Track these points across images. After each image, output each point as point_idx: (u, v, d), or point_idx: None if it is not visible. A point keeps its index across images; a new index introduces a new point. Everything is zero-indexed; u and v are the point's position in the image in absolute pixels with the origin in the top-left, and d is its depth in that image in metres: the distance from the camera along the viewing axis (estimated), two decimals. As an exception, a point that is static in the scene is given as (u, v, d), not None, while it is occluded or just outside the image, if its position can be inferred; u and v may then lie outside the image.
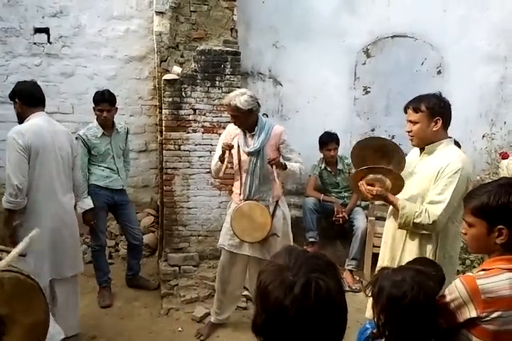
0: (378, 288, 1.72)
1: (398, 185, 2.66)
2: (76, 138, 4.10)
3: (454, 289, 1.72)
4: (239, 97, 3.30)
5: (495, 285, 1.66)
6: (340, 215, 4.85)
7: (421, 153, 2.70)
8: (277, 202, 3.56)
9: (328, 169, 5.09)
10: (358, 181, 2.72)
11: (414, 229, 2.59)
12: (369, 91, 5.63)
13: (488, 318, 1.66)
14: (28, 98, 3.30)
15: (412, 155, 2.84)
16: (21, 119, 3.32)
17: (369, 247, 4.73)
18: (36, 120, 3.25)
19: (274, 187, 3.51)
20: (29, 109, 3.30)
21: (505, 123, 5.90)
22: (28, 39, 5.05)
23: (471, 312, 1.68)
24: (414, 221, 2.53)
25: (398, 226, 2.64)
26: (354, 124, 5.67)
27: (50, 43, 5.09)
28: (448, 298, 1.75)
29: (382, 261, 2.84)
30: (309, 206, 4.94)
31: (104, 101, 4.07)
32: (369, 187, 2.65)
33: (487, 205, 1.73)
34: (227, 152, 3.40)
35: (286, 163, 3.45)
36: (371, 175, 2.66)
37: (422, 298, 1.65)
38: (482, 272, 1.74)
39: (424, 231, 2.58)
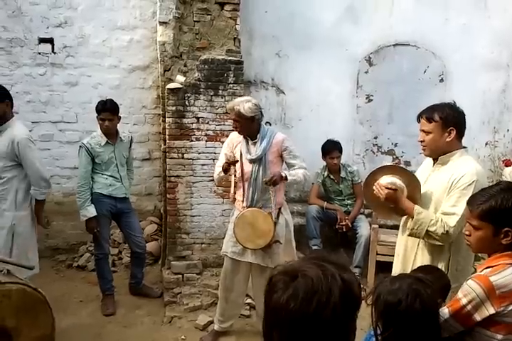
0: (376, 295, 1.72)
1: (414, 196, 2.58)
2: (80, 146, 4.13)
3: (470, 290, 1.76)
4: (243, 104, 3.32)
5: (505, 279, 1.74)
6: (344, 223, 4.85)
7: (434, 163, 2.64)
8: (280, 209, 3.57)
9: (331, 177, 5.09)
10: (374, 181, 2.63)
11: (425, 237, 2.51)
12: (372, 100, 5.64)
13: (505, 312, 1.73)
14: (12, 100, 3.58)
15: (425, 166, 2.79)
16: (3, 120, 3.51)
17: (372, 255, 4.71)
18: (18, 122, 3.61)
19: (277, 194, 3.52)
20: (11, 111, 3.57)
21: (508, 130, 5.90)
22: (32, 49, 5.09)
23: (488, 309, 1.73)
24: (429, 229, 2.45)
25: (409, 233, 2.56)
26: (357, 132, 5.68)
27: (55, 53, 5.13)
28: (464, 301, 1.78)
29: (395, 273, 2.78)
30: (312, 214, 4.94)
31: (106, 110, 4.09)
32: (384, 184, 2.56)
33: (494, 210, 1.81)
34: (232, 167, 3.42)
35: (287, 173, 3.44)
36: (391, 178, 2.59)
37: (418, 305, 1.64)
38: (488, 270, 1.80)
39: (435, 242, 2.50)
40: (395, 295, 1.66)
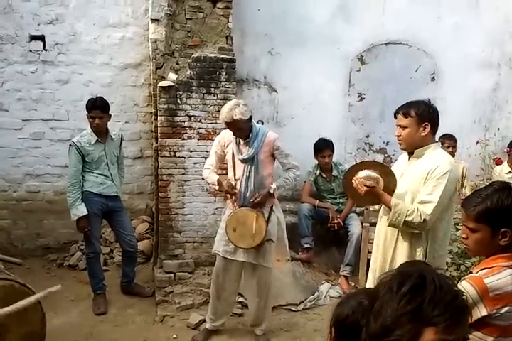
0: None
1: (391, 187, 2.74)
2: (70, 145, 4.11)
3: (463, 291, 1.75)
4: (237, 110, 3.29)
5: (500, 282, 1.73)
6: (336, 221, 4.86)
7: (409, 157, 2.79)
8: (272, 207, 3.57)
9: (323, 175, 5.10)
10: (352, 176, 2.78)
11: (403, 227, 2.66)
12: (364, 98, 5.65)
13: (497, 314, 1.72)
14: None
15: (401, 160, 2.94)
16: None
17: (364, 253, 4.73)
18: None
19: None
20: None
21: (498, 129, 5.93)
22: (23, 46, 5.05)
23: (481, 311, 1.73)
24: (406, 219, 2.60)
25: (388, 224, 2.71)
26: (349, 131, 5.69)
27: (46, 50, 5.09)
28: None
29: (375, 264, 2.93)
30: (304, 212, 4.94)
31: (96, 108, 4.07)
32: (362, 179, 2.73)
33: (490, 211, 1.79)
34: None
35: (275, 186, 3.50)
36: (367, 171, 2.75)
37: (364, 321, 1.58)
38: (484, 271, 1.79)
39: (414, 230, 2.66)
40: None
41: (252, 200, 3.46)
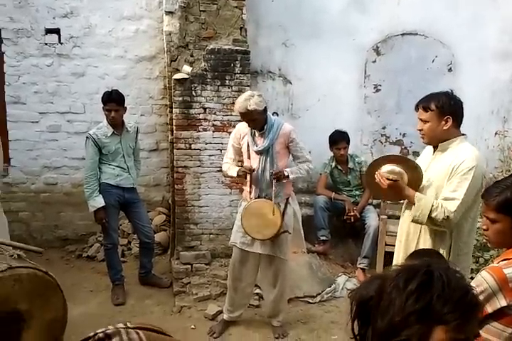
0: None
1: (416, 182, 2.63)
2: (87, 137, 4.15)
3: (482, 281, 1.75)
4: (251, 100, 3.29)
5: None
6: (352, 213, 4.83)
7: (434, 151, 2.68)
8: (288, 199, 3.57)
9: (339, 167, 5.07)
10: (375, 171, 2.68)
11: (428, 223, 2.55)
12: (380, 89, 5.60)
13: None
14: None
15: (426, 154, 2.83)
16: None
17: (381, 245, 4.70)
18: None
19: (285, 185, 3.52)
20: None
21: (517, 120, 5.85)
22: (39, 40, 5.09)
23: (500, 301, 1.72)
24: (431, 215, 2.49)
25: (412, 219, 2.60)
26: (365, 122, 5.64)
27: (61, 44, 5.13)
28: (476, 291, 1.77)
29: (397, 260, 2.83)
30: (320, 204, 4.93)
31: (112, 101, 4.09)
32: (385, 174, 2.61)
33: (510, 201, 1.79)
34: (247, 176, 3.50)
35: (289, 170, 3.47)
36: (390, 166, 2.65)
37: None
38: (504, 262, 1.78)
39: (439, 228, 2.56)
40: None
41: (274, 171, 3.40)
